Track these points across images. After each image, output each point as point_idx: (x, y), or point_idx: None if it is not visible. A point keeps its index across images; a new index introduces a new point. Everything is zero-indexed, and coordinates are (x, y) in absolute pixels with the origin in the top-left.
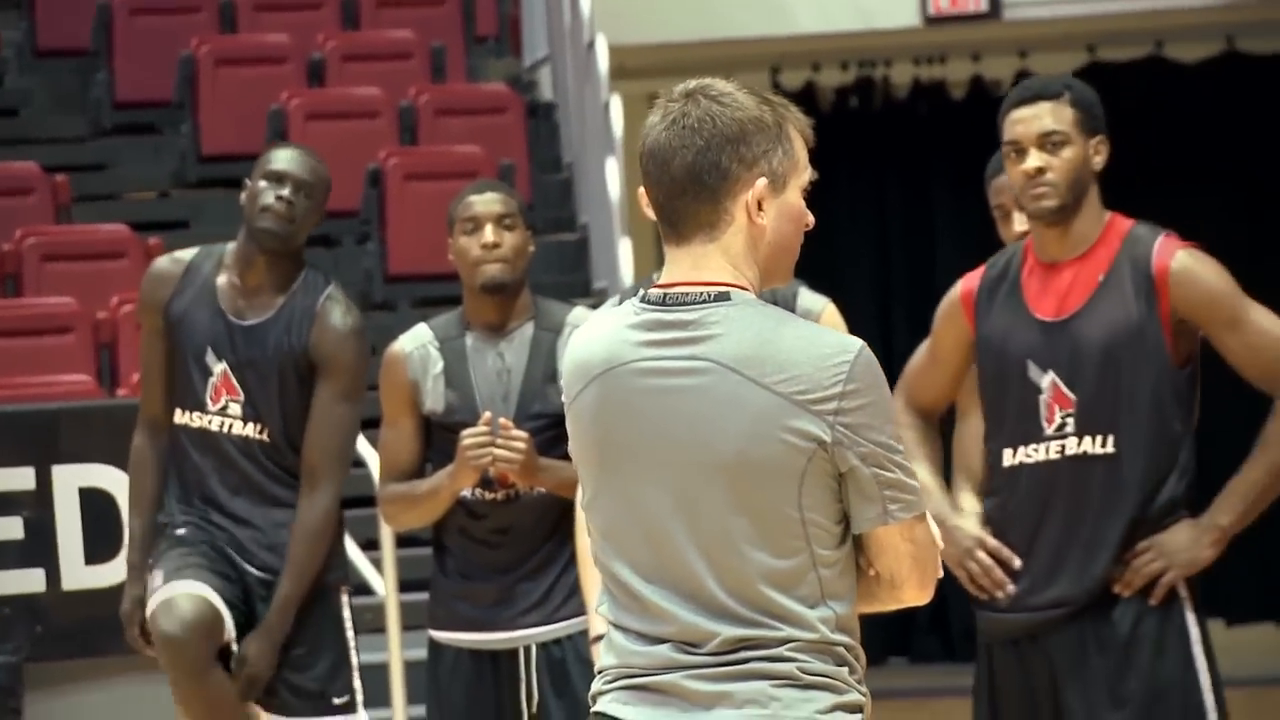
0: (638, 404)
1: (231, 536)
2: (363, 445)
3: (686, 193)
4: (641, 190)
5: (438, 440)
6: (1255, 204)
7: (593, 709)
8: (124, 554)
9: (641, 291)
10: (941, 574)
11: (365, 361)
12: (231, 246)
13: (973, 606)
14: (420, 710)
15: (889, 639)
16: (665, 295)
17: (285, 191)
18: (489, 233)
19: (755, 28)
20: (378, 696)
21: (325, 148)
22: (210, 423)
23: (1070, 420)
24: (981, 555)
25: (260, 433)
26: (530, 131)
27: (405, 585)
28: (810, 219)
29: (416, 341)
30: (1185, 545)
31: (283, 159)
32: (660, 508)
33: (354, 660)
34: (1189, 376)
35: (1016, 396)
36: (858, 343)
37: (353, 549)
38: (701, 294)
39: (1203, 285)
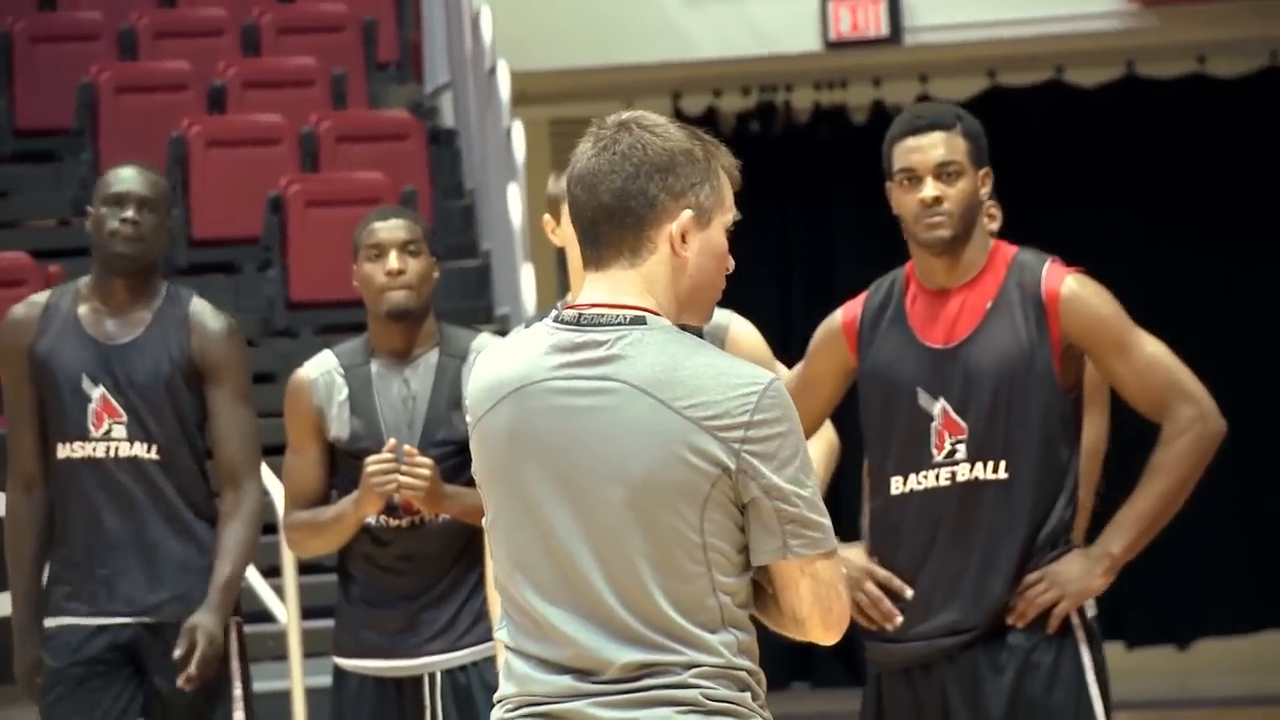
0: (547, 423)
1: (110, 590)
2: (266, 472)
3: (613, 218)
4: (546, 217)
5: (343, 467)
6: (1156, 225)
7: None
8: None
9: (554, 312)
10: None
11: (248, 360)
12: (85, 280)
13: (862, 636)
14: None
15: (791, 663)
16: (580, 316)
17: (129, 213)
18: (393, 259)
19: (656, 54)
20: None
21: (226, 175)
22: (95, 449)
23: (961, 446)
24: (870, 587)
25: (149, 451)
26: (432, 158)
27: (308, 612)
28: (731, 262)
29: (321, 368)
30: (1078, 575)
31: (121, 180)
32: (566, 527)
33: (237, 692)
34: (1074, 402)
35: (905, 424)
36: (770, 375)
37: (255, 576)
38: (617, 316)
39: (1092, 310)
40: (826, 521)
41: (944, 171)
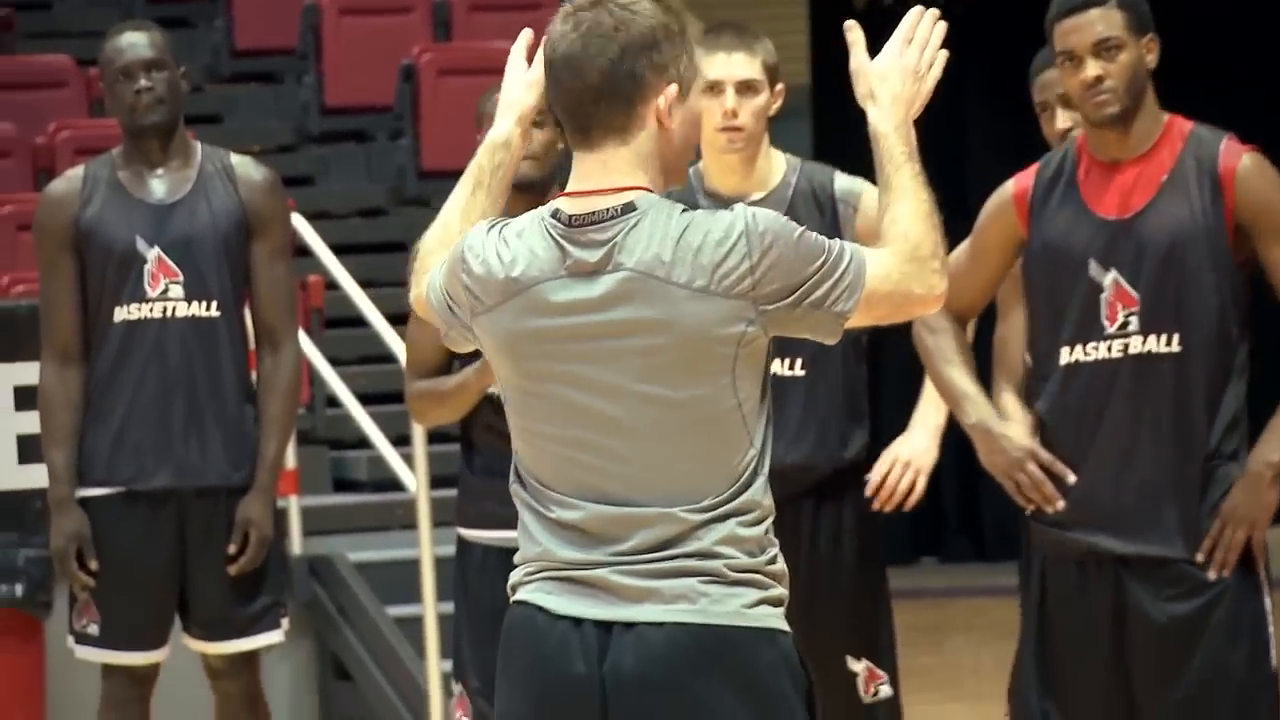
0: (563, 323)
1: (170, 467)
2: (394, 340)
3: (601, 99)
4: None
5: None
6: None
7: (513, 598)
8: None
9: (552, 208)
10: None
11: (290, 214)
12: (118, 150)
13: (1028, 518)
14: (450, 607)
15: (920, 539)
16: (572, 218)
17: (143, 83)
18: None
19: None
20: (409, 593)
21: (359, 44)
22: (152, 309)
23: (1134, 318)
24: (1032, 468)
25: (207, 309)
26: None
27: (437, 481)
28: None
29: None
30: (1249, 499)
31: (126, 52)
32: (591, 418)
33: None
34: (1245, 280)
35: (1076, 295)
36: (741, 207)
37: (384, 444)
38: (608, 210)
39: (1262, 191)
40: (847, 260)
41: (1102, 49)
